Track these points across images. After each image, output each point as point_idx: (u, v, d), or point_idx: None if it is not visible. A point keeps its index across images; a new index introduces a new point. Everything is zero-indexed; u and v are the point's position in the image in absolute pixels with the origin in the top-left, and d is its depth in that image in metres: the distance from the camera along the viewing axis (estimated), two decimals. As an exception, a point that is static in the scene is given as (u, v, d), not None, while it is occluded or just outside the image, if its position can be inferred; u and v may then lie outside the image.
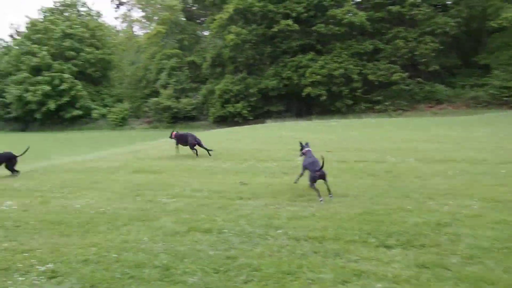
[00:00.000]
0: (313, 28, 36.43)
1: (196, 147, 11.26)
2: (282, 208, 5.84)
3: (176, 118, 41.68)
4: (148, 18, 45.65)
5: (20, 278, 3.90)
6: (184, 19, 47.41)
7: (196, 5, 47.60)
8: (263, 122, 31.20)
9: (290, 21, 35.75)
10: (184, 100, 41.82)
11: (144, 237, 4.81)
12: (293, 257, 4.11)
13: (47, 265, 4.14)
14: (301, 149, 7.22)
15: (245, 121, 36.04)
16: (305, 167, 6.69)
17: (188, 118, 42.03)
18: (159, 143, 16.63)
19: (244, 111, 37.46)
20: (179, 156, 11.44)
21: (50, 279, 3.87)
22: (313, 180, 6.13)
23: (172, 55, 44.04)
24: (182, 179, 8.31)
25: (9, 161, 9.76)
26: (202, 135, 14.51)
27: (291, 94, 37.17)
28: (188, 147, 11.40)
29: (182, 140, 11.59)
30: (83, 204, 6.54)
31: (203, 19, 48.18)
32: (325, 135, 16.48)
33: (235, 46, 37.37)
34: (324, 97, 35.27)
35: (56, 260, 4.26)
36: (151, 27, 45.52)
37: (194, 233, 4.90)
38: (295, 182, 7.15)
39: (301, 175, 7.02)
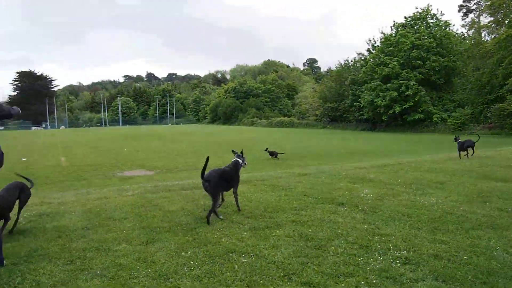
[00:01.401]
0: None
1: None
2: None
3: (520, 124, 37.03)
4: (498, 22, 44.45)
5: (379, 258, 4.26)
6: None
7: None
8: None
9: None
10: (533, 106, 36.38)
11: (496, 245, 4.66)
12: None
13: (401, 252, 4.41)
14: None
15: None
16: None
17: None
18: (503, 151, 16.09)
19: None
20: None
21: (404, 265, 4.07)
22: None
23: (524, 59, 39.44)
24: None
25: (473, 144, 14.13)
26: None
27: None
28: None
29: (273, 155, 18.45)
30: (431, 202, 6.83)
31: None
32: None
33: None
34: None
35: (409, 249, 4.50)
36: (501, 31, 44.28)
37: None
38: None
39: None
